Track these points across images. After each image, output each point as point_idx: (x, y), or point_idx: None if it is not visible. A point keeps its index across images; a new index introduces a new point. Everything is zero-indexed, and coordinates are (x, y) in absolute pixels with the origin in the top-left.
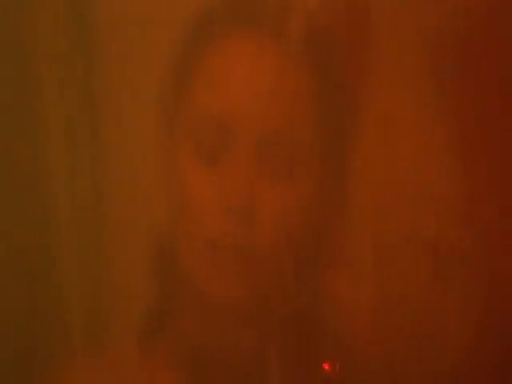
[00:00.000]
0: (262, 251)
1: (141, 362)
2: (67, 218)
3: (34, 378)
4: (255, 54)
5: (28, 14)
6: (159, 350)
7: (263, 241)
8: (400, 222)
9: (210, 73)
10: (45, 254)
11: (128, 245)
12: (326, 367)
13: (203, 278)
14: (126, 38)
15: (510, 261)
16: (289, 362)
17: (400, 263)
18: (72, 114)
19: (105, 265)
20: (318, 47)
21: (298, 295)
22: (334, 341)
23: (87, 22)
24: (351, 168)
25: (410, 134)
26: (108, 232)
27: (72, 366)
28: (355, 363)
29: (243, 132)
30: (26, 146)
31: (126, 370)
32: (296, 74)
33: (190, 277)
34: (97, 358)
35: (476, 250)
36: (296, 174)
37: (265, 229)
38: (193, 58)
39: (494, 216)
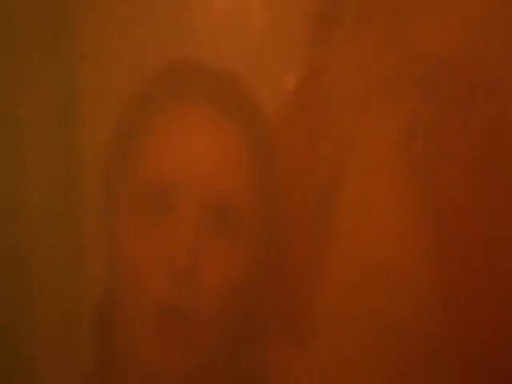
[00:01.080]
0: (205, 314)
1: None
2: None
3: None
4: (202, 122)
5: None
6: None
7: (206, 303)
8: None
9: (156, 138)
10: None
11: (65, 307)
12: None
13: (143, 344)
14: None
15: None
16: None
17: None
18: None
19: (41, 327)
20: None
21: (242, 360)
22: None
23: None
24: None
25: (381, 217)
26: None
27: None
28: None
29: (186, 195)
30: None
31: None
32: (238, 145)
33: (129, 343)
34: None
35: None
36: (237, 236)
37: (207, 291)
38: (139, 124)
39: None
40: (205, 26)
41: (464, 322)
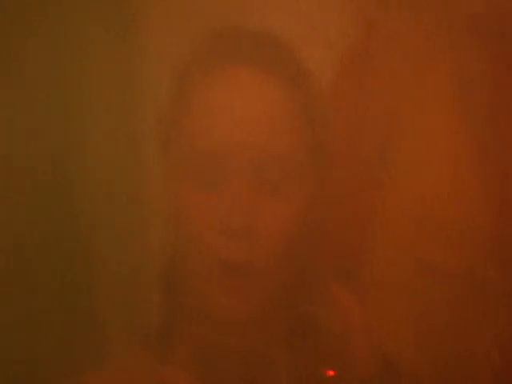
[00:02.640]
0: (263, 266)
1: (155, 366)
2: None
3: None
4: (251, 85)
5: None
6: (171, 357)
7: (263, 256)
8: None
9: (206, 103)
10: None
11: (140, 266)
12: (328, 374)
13: (207, 294)
14: (125, 70)
15: None
16: (294, 369)
17: (405, 282)
18: None
19: (125, 284)
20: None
21: (303, 307)
22: (337, 352)
23: None
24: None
25: (437, 160)
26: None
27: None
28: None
29: (239, 156)
30: None
31: (141, 374)
32: (288, 105)
33: (196, 293)
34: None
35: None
36: (291, 191)
37: (264, 244)
38: (190, 90)
39: None
40: None
41: None
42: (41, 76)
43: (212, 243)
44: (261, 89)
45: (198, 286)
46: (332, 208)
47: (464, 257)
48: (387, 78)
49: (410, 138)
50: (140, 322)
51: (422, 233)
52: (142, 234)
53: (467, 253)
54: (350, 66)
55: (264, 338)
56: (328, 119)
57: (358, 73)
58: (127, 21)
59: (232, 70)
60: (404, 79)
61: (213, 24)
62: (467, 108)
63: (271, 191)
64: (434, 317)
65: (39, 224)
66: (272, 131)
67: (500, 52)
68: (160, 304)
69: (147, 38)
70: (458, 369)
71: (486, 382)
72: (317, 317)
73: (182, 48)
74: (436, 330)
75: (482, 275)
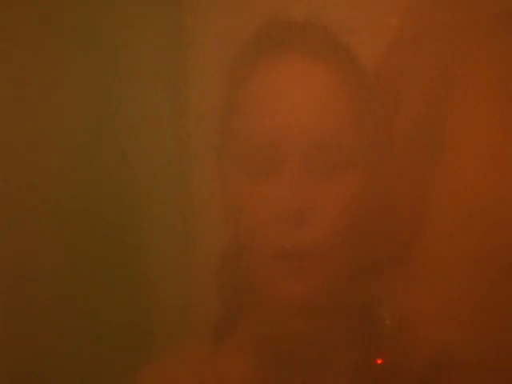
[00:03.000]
0: (320, 250)
1: (216, 353)
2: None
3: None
4: (299, 72)
5: None
6: (233, 343)
7: (319, 240)
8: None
9: (257, 92)
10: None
11: (198, 256)
12: (379, 362)
13: (267, 281)
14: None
15: None
16: (349, 354)
17: (468, 274)
18: None
19: (186, 275)
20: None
21: (360, 292)
22: (392, 339)
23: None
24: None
25: (491, 147)
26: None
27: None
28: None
29: (290, 143)
30: None
31: (203, 361)
32: (337, 89)
33: (255, 281)
34: (178, 353)
35: None
36: (343, 177)
37: (322, 227)
38: (241, 80)
39: None
40: None
41: None
42: (91, 75)
43: (271, 231)
44: (311, 75)
45: (260, 274)
46: (386, 194)
47: None
48: (435, 65)
49: (465, 126)
50: (201, 313)
51: (475, 225)
52: (197, 230)
53: None
54: (398, 52)
55: (326, 324)
56: (377, 104)
57: (407, 59)
58: (177, 17)
59: (282, 58)
60: (452, 69)
61: (261, 14)
62: None
63: (325, 176)
64: (487, 310)
65: (94, 227)
66: (323, 116)
67: None
68: (220, 295)
69: (197, 31)
70: None
71: None
72: (376, 306)
73: (232, 40)
74: (490, 323)
75: None
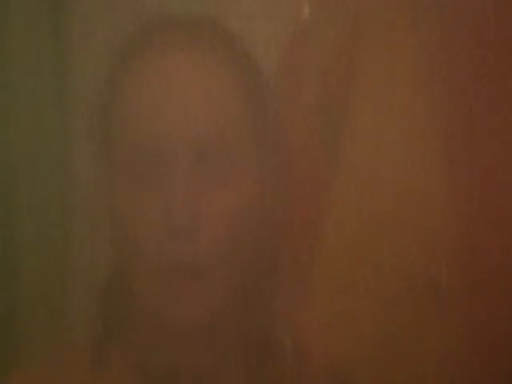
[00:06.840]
0: (211, 264)
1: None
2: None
3: None
4: (187, 70)
5: None
6: (113, 368)
7: (211, 254)
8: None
9: (140, 93)
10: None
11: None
12: None
13: (155, 299)
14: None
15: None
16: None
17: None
18: None
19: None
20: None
21: (252, 308)
22: (290, 363)
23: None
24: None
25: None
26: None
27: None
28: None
29: (178, 147)
30: None
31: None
32: (224, 83)
33: (142, 300)
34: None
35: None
36: (234, 180)
37: (212, 241)
38: (122, 81)
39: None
40: None
41: (473, 271)
42: None
43: (155, 244)
44: (201, 76)
45: (142, 292)
46: (282, 198)
47: (418, 257)
48: (338, 58)
49: (366, 127)
50: (74, 327)
51: (376, 231)
52: (74, 241)
53: (423, 254)
54: (298, 50)
55: (214, 349)
56: (275, 106)
57: (308, 56)
58: (54, 8)
59: (168, 56)
60: (359, 64)
61: (145, 10)
62: (431, 101)
63: (217, 183)
64: (392, 324)
65: None
66: (214, 119)
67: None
68: (99, 310)
69: (74, 25)
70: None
71: None
72: (270, 328)
73: (113, 39)
74: (395, 343)
75: (436, 278)
